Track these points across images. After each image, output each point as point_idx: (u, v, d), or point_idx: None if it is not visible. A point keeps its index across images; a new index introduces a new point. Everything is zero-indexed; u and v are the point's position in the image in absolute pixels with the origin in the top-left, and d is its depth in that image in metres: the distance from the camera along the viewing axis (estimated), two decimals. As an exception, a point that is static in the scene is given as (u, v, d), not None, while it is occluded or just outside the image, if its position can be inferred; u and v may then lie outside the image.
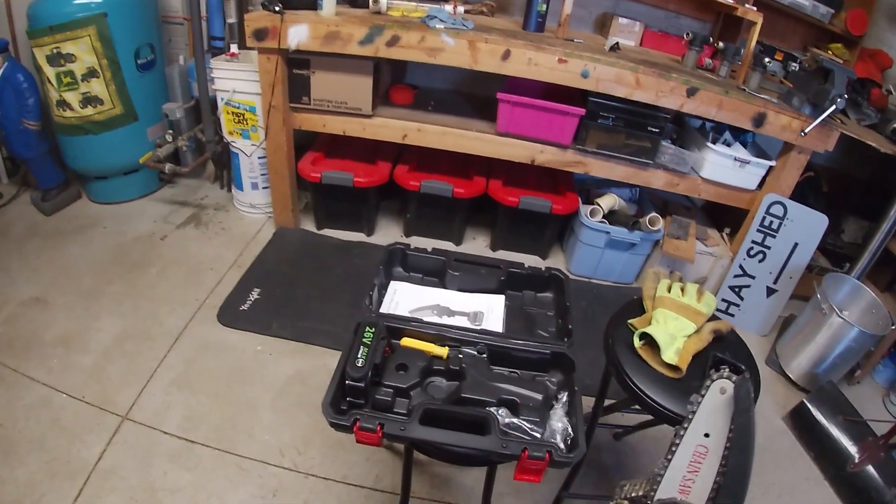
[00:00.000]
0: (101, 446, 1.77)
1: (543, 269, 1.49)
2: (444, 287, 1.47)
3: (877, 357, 2.48)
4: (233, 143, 2.74)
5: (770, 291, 2.58)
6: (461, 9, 2.40)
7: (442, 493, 1.80)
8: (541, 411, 1.10)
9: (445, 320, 1.32)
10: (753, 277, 2.58)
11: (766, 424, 2.21)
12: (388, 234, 2.97)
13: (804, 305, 2.44)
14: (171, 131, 2.82)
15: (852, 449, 2.00)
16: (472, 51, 2.22)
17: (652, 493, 0.50)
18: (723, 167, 2.48)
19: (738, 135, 2.66)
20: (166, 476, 1.71)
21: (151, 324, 2.23)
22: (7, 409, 1.86)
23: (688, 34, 2.49)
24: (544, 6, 2.42)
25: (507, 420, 1.06)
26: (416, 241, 2.88)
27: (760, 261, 2.55)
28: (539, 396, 1.12)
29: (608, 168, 2.53)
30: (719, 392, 0.46)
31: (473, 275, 1.48)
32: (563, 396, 1.14)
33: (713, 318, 1.37)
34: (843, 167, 3.11)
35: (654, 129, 2.41)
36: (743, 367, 1.22)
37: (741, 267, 2.60)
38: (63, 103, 2.54)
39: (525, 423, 1.06)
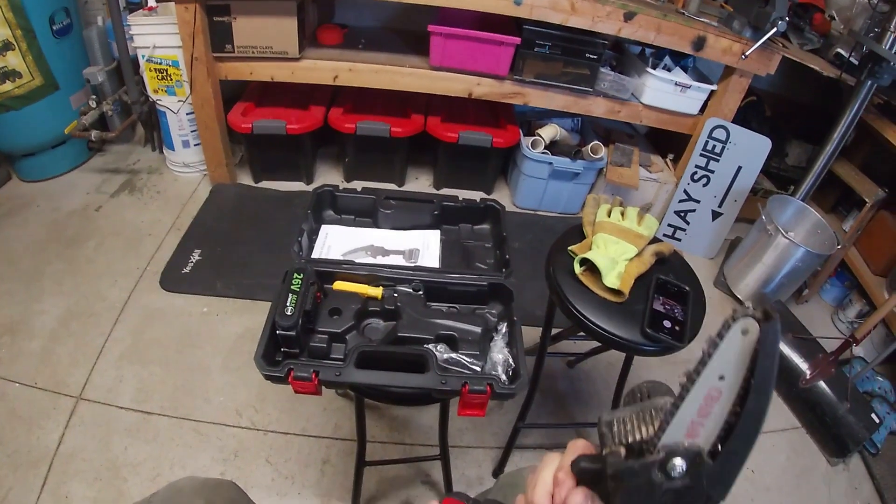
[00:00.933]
0: (59, 431, 1.73)
1: (478, 200, 1.45)
2: (378, 227, 1.43)
3: (823, 276, 2.58)
4: (159, 102, 2.59)
5: (715, 215, 2.63)
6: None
7: (401, 434, 1.82)
8: (481, 344, 1.09)
9: (380, 260, 1.29)
10: (698, 202, 2.61)
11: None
12: (327, 180, 2.89)
13: (750, 228, 2.48)
14: (94, 97, 2.64)
15: (803, 366, 2.06)
16: (397, -19, 2.11)
17: (655, 440, 0.45)
18: (663, 93, 2.46)
19: (679, 60, 2.64)
20: (127, 451, 1.69)
21: (94, 299, 2.15)
22: None
23: (622, -46, 2.40)
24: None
25: (445, 356, 1.05)
26: (358, 186, 2.84)
27: (705, 185, 2.57)
28: (478, 329, 1.10)
29: (547, 98, 2.49)
30: (741, 333, 0.41)
31: (407, 212, 1.44)
32: (503, 328, 1.13)
33: (655, 240, 1.37)
34: (787, 92, 3.13)
35: (592, 56, 2.36)
36: (687, 288, 1.25)
37: (685, 192, 2.62)
38: None
39: (464, 357, 1.05)
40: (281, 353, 1.05)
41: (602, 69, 2.45)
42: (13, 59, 2.34)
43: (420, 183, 2.96)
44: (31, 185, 2.72)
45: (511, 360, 1.06)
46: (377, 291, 1.16)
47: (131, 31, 2.43)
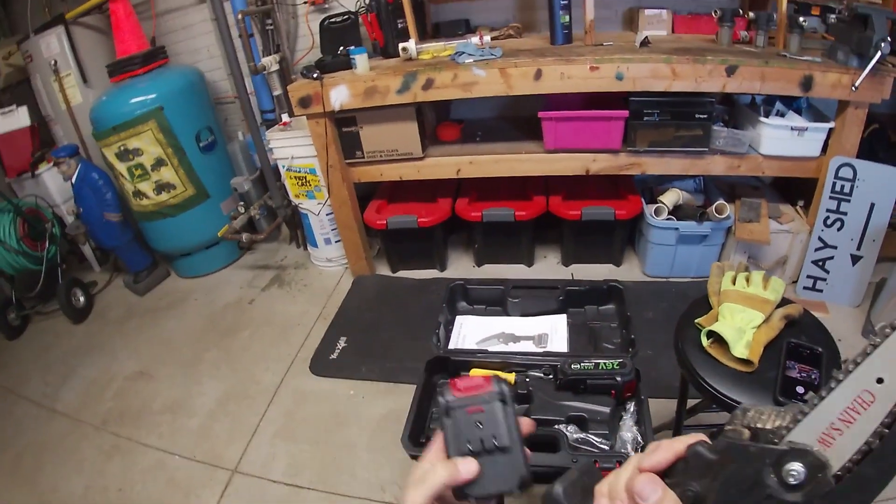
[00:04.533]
0: (214, 499, 1.93)
1: (602, 281, 1.49)
2: (507, 314, 1.51)
3: None
4: (300, 205, 2.93)
5: (855, 259, 2.42)
6: (488, 38, 2.46)
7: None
8: (610, 424, 1.11)
9: (511, 347, 1.36)
10: (835, 247, 2.43)
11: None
12: (459, 266, 3.05)
13: (894, 266, 2.27)
14: (242, 203, 3.05)
15: None
16: (504, 78, 2.28)
17: (784, 432, 0.39)
18: (781, 140, 2.36)
19: (791, 103, 2.53)
20: None
21: (249, 383, 2.40)
22: (124, 474, 2.07)
23: (716, 11, 2.41)
24: (567, 17, 2.44)
25: (576, 436, 1.08)
26: (489, 269, 2.98)
27: (839, 229, 2.39)
28: (606, 409, 1.13)
29: (664, 164, 2.49)
30: None
31: (534, 298, 1.51)
32: (631, 406, 1.15)
33: (785, 302, 1.32)
34: None
35: (702, 116, 2.35)
36: (820, 350, 1.19)
37: (820, 239, 2.45)
38: (139, 193, 2.82)
39: (593, 436, 1.08)
40: (425, 435, 1.14)
41: (715, 127, 2.41)
42: (167, 174, 2.79)
43: (548, 261, 3.02)
44: (189, 281, 3.13)
45: (640, 438, 1.07)
46: (510, 377, 1.23)
47: (270, 145, 2.79)
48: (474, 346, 1.37)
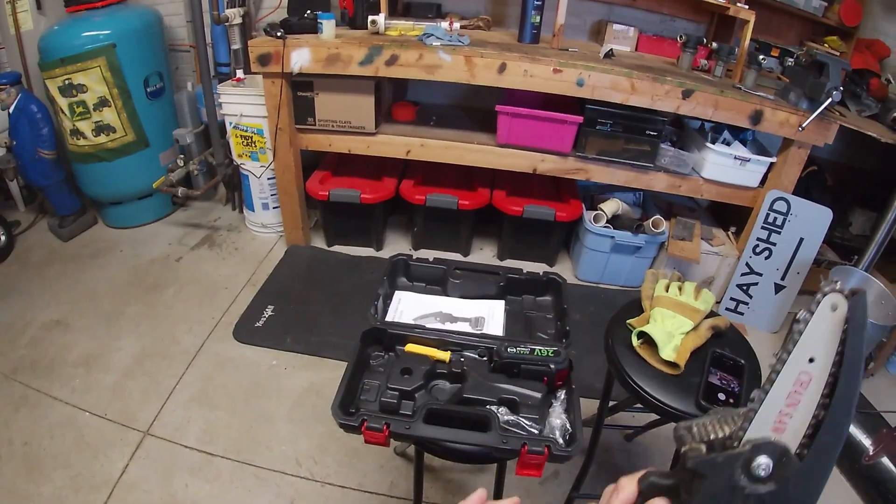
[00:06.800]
0: (123, 461, 1.84)
1: (541, 273, 1.52)
2: (447, 295, 1.52)
3: (889, 348, 2.46)
4: (242, 166, 2.82)
5: (778, 288, 2.59)
6: (457, 25, 2.46)
7: (455, 497, 1.83)
8: (540, 409, 1.13)
9: (448, 326, 1.37)
10: (761, 275, 2.59)
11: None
12: (396, 248, 3.03)
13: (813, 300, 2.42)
14: (182, 156, 2.91)
15: (866, 442, 1.98)
16: (468, 66, 2.29)
17: (741, 434, 0.42)
18: (723, 166, 2.49)
19: (738, 133, 2.67)
20: (187, 488, 1.77)
21: (170, 343, 2.30)
22: (32, 427, 1.94)
23: (681, 36, 2.52)
24: (538, 18, 2.47)
25: (506, 418, 1.10)
26: (425, 254, 2.94)
27: (767, 258, 2.55)
28: (538, 395, 1.15)
29: (609, 173, 2.57)
30: (830, 309, 0.39)
31: (474, 282, 1.52)
32: (562, 395, 1.18)
33: (712, 314, 1.39)
34: (848, 160, 3.10)
35: (652, 133, 2.44)
36: (742, 362, 1.27)
37: (748, 265, 2.60)
38: (77, 132, 2.64)
39: (524, 420, 1.10)
40: (354, 405, 1.13)
41: (662, 145, 2.51)
42: (109, 115, 2.63)
43: (484, 253, 3.05)
44: (116, 231, 2.97)
45: (568, 426, 1.10)
46: (445, 355, 1.23)
47: (220, 99, 2.68)
48: (412, 322, 1.37)
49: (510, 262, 2.96)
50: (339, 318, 2.45)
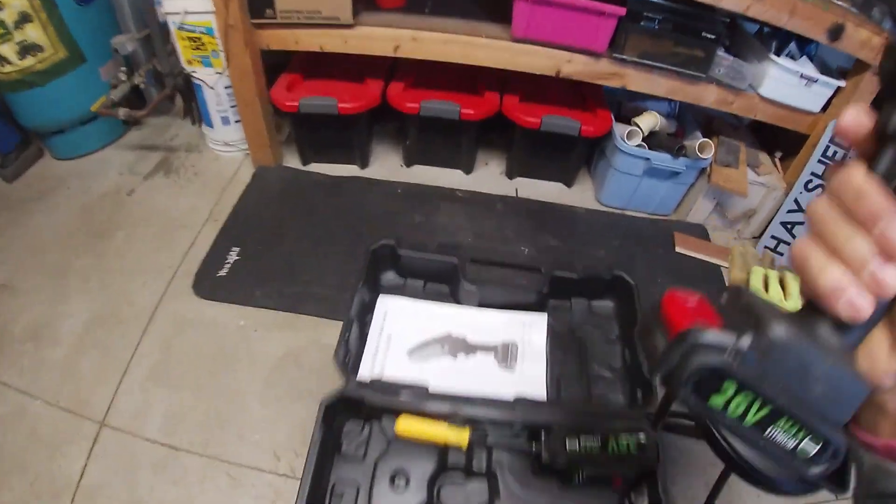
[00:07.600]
0: (82, 460, 1.57)
1: (603, 271, 1.09)
2: (458, 301, 1.09)
3: None
4: (194, 74, 2.28)
5: None
6: None
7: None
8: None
9: (461, 362, 0.97)
10: (810, 216, 2.18)
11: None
12: (385, 164, 2.57)
13: None
14: (125, 68, 2.35)
15: None
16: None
17: None
18: (786, 85, 2.02)
19: (804, 46, 2.17)
20: (153, 491, 1.51)
21: (122, 303, 1.95)
22: None
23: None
24: None
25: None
26: (419, 172, 2.52)
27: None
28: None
29: (650, 81, 2.06)
30: None
31: (500, 284, 1.09)
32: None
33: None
34: None
35: (709, 36, 1.93)
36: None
37: (796, 201, 2.20)
38: (0, 58, 2.10)
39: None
40: None
41: (719, 52, 2.02)
42: (33, 32, 2.09)
43: (490, 170, 2.61)
44: (65, 164, 2.51)
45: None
46: (462, 437, 0.82)
47: (159, -5, 2.09)
48: (405, 357, 0.97)
49: (520, 181, 2.53)
50: (318, 259, 2.06)
